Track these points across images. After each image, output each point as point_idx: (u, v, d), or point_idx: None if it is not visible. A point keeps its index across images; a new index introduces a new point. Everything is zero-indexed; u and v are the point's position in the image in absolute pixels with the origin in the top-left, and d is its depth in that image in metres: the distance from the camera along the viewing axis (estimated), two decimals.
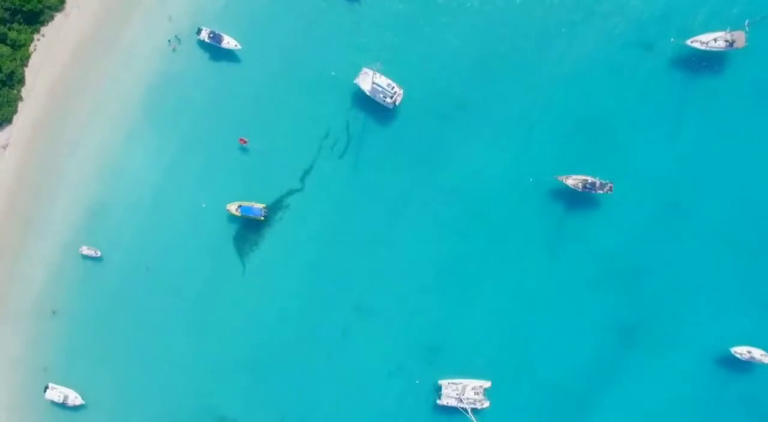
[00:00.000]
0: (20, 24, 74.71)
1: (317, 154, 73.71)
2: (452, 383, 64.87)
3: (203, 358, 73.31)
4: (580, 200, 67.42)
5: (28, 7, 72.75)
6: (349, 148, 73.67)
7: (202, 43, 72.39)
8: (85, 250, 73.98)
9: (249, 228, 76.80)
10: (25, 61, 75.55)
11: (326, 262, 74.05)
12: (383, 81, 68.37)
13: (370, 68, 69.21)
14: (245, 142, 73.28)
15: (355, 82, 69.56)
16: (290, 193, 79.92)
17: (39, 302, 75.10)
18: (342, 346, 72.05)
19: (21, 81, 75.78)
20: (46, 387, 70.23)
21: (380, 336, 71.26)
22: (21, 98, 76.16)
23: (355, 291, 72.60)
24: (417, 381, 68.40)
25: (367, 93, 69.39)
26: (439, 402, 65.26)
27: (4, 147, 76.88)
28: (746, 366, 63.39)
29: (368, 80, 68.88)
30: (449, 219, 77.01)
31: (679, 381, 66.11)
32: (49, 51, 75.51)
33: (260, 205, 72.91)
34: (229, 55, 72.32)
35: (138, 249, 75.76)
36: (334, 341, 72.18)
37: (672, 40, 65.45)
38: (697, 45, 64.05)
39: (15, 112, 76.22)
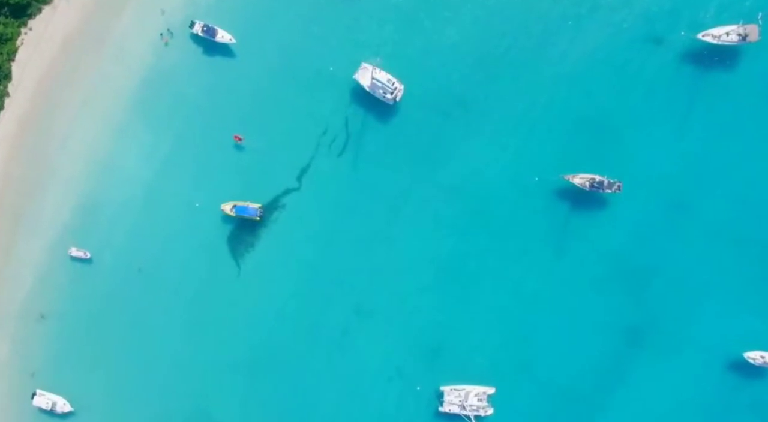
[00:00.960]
0: (6, 17, 70.41)
1: (315, 151, 69.63)
2: (455, 389, 60.67)
3: (198, 362, 69.08)
4: (586, 199, 63.28)
5: None
6: (348, 146, 69.34)
7: (195, 37, 68.09)
8: (74, 252, 69.52)
9: (244, 229, 71.96)
10: (11, 55, 71.19)
11: (324, 263, 69.79)
12: (383, 76, 64.08)
13: (370, 63, 64.98)
14: (240, 139, 68.90)
15: (354, 77, 65.40)
16: (287, 192, 75.60)
17: (26, 305, 70.69)
18: (341, 349, 68.00)
19: (7, 76, 71.53)
20: (34, 394, 65.68)
21: (380, 339, 67.21)
22: (8, 94, 71.87)
23: (353, 292, 68.42)
24: (418, 388, 64.23)
25: (367, 89, 65.16)
26: (441, 409, 61.11)
27: None
28: (759, 371, 59.44)
29: (367, 75, 64.62)
30: (450, 218, 72.60)
31: (689, 387, 62.14)
32: (37, 45, 71.13)
33: (256, 205, 68.57)
34: (224, 50, 68.03)
35: (129, 250, 71.45)
36: (332, 344, 68.11)
37: (682, 33, 61.39)
38: (708, 39, 60.05)
39: (1, 108, 72.07)
